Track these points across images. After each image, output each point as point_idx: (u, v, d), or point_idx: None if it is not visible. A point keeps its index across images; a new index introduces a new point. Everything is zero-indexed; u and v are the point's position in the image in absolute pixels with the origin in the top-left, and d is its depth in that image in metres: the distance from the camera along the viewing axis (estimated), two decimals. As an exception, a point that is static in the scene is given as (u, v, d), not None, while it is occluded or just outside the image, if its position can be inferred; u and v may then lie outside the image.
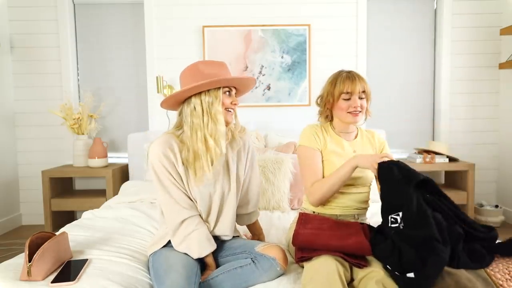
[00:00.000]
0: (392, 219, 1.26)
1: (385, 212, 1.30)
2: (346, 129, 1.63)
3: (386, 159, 1.35)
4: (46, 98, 3.30)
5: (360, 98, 1.54)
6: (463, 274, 1.14)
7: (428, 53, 3.40)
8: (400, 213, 1.23)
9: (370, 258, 1.27)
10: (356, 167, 1.44)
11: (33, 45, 3.27)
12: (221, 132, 1.38)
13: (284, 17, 3.25)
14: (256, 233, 1.68)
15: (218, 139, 1.38)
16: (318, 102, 1.66)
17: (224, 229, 1.48)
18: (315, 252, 1.28)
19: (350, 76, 1.54)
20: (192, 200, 1.43)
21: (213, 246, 1.41)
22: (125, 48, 3.37)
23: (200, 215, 1.44)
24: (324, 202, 1.54)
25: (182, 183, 1.41)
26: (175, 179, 1.39)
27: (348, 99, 1.53)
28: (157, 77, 3.12)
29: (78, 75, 3.39)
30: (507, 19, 3.19)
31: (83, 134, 3.14)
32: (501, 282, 1.14)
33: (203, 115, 1.37)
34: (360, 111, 1.54)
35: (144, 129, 3.39)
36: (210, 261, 1.43)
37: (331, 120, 1.66)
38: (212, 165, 1.39)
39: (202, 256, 1.39)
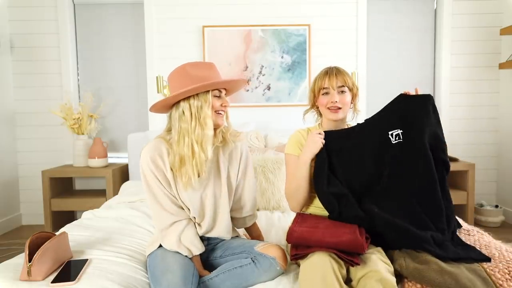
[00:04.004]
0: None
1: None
2: (334, 129, 1.62)
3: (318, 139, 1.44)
4: (46, 98, 3.30)
5: (341, 92, 1.53)
6: (463, 273, 1.14)
7: (428, 53, 3.40)
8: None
9: (366, 257, 1.26)
10: (308, 160, 1.46)
11: (33, 45, 3.27)
12: (208, 137, 1.36)
13: (284, 17, 3.25)
14: (254, 235, 1.67)
15: (205, 144, 1.36)
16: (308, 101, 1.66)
17: (220, 232, 1.48)
18: (309, 249, 1.27)
19: (328, 71, 1.56)
20: (180, 206, 1.42)
21: (198, 249, 1.40)
22: (125, 48, 3.38)
23: (190, 219, 1.44)
24: (302, 206, 1.55)
25: (170, 189, 1.40)
26: (162, 185, 1.39)
27: (327, 94, 1.54)
28: (157, 77, 3.12)
29: (78, 75, 3.39)
30: (507, 19, 3.20)
31: (83, 134, 3.14)
32: (501, 282, 1.14)
33: (191, 120, 1.35)
34: (340, 107, 1.53)
35: (144, 129, 3.38)
36: (197, 264, 1.41)
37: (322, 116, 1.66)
38: (197, 170, 1.36)
39: (189, 257, 1.39)
